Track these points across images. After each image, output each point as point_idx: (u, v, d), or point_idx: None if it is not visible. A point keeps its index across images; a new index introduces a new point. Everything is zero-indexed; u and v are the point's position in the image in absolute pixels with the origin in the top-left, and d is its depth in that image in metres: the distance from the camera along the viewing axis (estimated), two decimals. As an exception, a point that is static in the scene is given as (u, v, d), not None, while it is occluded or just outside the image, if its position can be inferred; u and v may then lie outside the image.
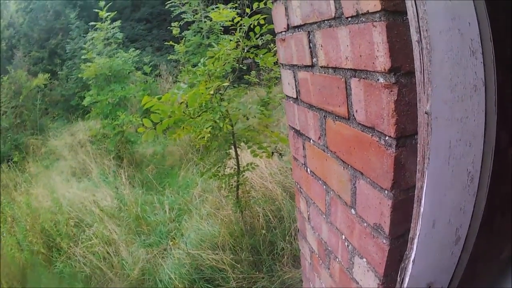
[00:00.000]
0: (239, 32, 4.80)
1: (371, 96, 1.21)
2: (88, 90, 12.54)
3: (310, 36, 1.53)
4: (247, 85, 10.12)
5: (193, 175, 9.00)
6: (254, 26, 4.86)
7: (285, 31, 1.83)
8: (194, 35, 10.86)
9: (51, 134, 13.74)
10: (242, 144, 5.69)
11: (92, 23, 11.91)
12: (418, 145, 1.09)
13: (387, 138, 1.18)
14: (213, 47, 9.94)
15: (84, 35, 16.86)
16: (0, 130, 12.13)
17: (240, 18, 4.84)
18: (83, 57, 12.20)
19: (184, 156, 10.02)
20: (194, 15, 10.95)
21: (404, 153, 1.16)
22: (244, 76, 6.79)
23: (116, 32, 11.57)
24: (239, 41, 4.88)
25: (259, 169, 7.01)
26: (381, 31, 1.10)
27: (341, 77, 1.36)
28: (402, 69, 1.10)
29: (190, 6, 11.03)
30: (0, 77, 13.89)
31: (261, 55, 4.97)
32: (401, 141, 1.15)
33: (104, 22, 11.42)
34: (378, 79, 1.16)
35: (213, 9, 10.56)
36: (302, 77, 1.72)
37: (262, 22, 4.80)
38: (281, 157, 6.37)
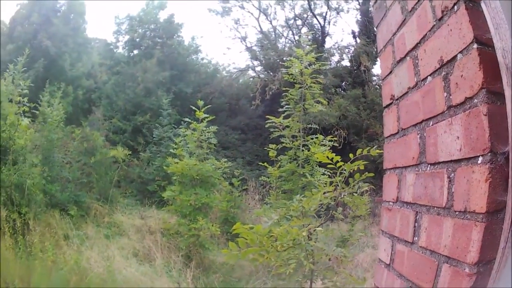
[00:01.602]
0: (339, 177, 5.03)
1: (455, 281, 1.43)
2: (170, 182, 13.11)
3: (417, 217, 1.76)
4: (331, 220, 10.27)
5: (259, 293, 9.00)
6: (354, 172, 5.09)
7: (393, 202, 2.07)
8: (290, 162, 11.23)
9: (119, 208, 14.17)
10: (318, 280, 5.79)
11: (187, 119, 12.59)
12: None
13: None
14: (307, 177, 10.36)
15: (175, 125, 17.88)
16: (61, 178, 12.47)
17: (341, 160, 5.04)
18: (171, 150, 12.89)
19: (254, 273, 10.10)
20: (292, 142, 11.37)
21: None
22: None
23: (211, 138, 12.14)
24: (338, 185, 5.10)
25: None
26: (480, 230, 1.32)
27: (435, 260, 1.58)
28: (485, 260, 1.32)
29: (290, 131, 11.49)
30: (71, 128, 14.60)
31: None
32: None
33: (200, 123, 12.06)
34: (465, 269, 1.38)
35: (312, 138, 11.02)
36: (400, 249, 1.93)
37: (362, 167, 5.03)
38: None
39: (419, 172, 1.78)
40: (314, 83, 11.71)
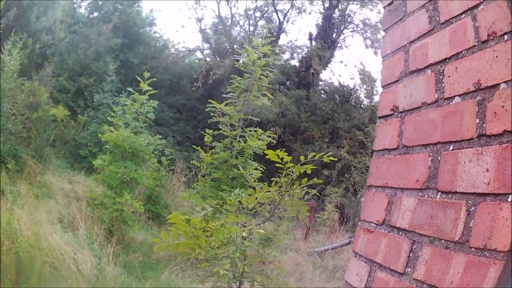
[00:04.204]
0: (285, 178, 4.86)
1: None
2: (101, 149, 13.02)
3: (414, 246, 1.59)
4: (254, 216, 10.22)
5: (177, 279, 8.92)
6: (301, 175, 4.94)
7: (377, 224, 1.90)
8: (224, 150, 11.10)
9: (51, 169, 13.64)
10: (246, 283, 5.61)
11: (130, 89, 12.21)
12: None
13: None
14: (239, 169, 10.24)
15: (116, 93, 17.73)
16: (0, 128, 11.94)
17: (291, 161, 4.88)
18: (108, 117, 12.59)
19: (172, 257, 9.87)
20: (230, 131, 11.24)
21: None
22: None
23: (150, 112, 11.78)
24: (282, 186, 4.94)
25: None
26: (498, 268, 1.22)
27: (436, 301, 1.42)
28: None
29: (229, 119, 11.36)
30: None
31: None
32: None
33: (142, 95, 11.67)
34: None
35: (250, 131, 10.94)
36: (382, 277, 1.74)
37: (309, 172, 4.89)
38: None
39: (423, 198, 1.61)
40: (264, 76, 11.59)
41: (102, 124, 13.02)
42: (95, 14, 24.63)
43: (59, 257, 7.70)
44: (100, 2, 24.70)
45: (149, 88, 11.54)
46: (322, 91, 26.77)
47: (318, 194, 5.61)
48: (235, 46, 25.51)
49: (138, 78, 11.96)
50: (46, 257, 7.51)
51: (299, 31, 61.92)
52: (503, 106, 1.32)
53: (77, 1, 25.28)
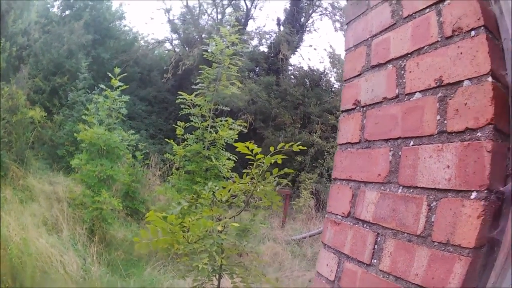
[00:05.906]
0: (256, 169, 4.87)
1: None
2: (77, 148, 12.95)
3: (378, 239, 1.62)
4: (230, 207, 10.26)
5: (160, 275, 8.95)
6: (272, 164, 4.95)
7: (342, 217, 1.92)
8: (196, 142, 11.07)
9: (31, 171, 13.50)
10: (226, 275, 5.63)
11: (102, 86, 12.07)
12: None
13: None
14: (212, 161, 10.22)
15: (89, 90, 17.63)
16: None
17: (263, 148, 4.88)
18: (82, 116, 12.40)
19: (153, 253, 9.82)
20: (201, 122, 11.21)
21: None
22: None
23: (122, 107, 11.70)
24: (253, 178, 4.94)
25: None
26: (464, 264, 1.25)
27: (401, 287, 1.46)
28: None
29: (200, 110, 11.31)
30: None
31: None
32: None
33: (114, 91, 11.58)
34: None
35: (221, 120, 10.92)
36: (350, 268, 1.78)
37: (279, 162, 4.90)
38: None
39: (385, 192, 1.64)
40: (233, 64, 11.58)
41: (77, 123, 13.01)
42: (67, 12, 24.37)
43: (47, 260, 7.76)
44: (72, 0, 24.43)
45: (120, 83, 11.45)
46: (292, 76, 26.77)
47: (289, 184, 5.63)
48: (203, 35, 25.37)
49: (109, 75, 11.82)
50: (36, 261, 7.58)
51: (267, 17, 61.88)
52: (465, 104, 1.35)
53: (50, 0, 24.93)
